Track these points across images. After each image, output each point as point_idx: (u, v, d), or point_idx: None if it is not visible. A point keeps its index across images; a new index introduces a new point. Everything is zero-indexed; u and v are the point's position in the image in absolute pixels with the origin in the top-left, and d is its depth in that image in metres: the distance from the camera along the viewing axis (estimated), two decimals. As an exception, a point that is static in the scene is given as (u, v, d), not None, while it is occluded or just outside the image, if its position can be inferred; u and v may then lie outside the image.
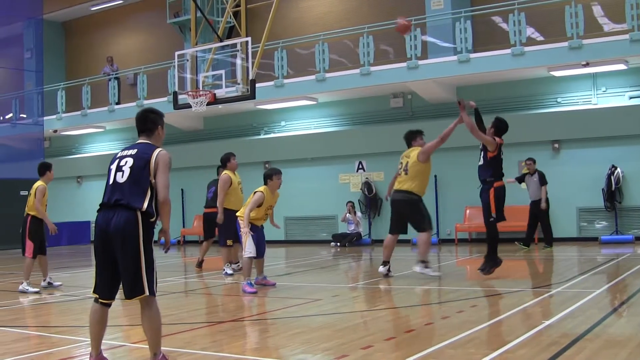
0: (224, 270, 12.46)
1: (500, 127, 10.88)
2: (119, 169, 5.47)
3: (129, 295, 5.37)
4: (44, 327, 7.87)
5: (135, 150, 5.60)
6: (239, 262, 12.59)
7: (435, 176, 19.62)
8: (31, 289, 10.90)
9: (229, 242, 12.37)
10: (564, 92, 18.47)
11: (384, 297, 9.91)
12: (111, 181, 5.47)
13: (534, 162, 16.32)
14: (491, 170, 10.60)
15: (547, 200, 16.03)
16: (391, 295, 9.97)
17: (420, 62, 18.35)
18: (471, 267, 14.11)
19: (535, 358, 5.55)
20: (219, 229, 12.58)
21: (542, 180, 16.09)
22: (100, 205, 5.43)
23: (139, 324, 8.09)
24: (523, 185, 16.54)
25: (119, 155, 5.61)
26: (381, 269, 11.28)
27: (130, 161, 5.48)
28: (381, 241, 20.17)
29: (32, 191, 11.06)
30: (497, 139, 10.70)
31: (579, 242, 17.82)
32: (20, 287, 10.97)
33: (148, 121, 5.88)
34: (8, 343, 6.94)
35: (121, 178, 5.41)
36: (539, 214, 16.18)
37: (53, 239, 23.42)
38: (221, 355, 6.05)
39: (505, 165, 17.13)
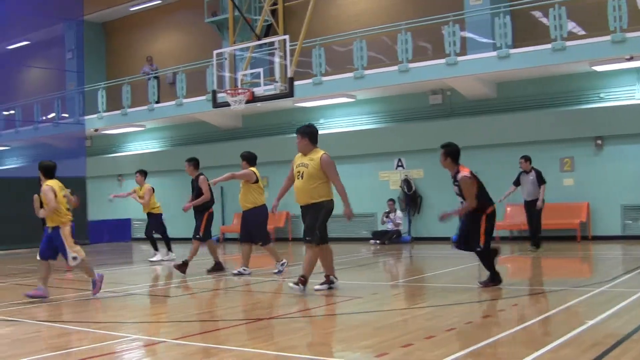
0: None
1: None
2: None
3: None
4: (86, 323, 7.94)
5: None
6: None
7: (477, 174, 19.38)
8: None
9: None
10: (606, 87, 18.13)
11: (424, 295, 9.84)
12: None
13: (528, 159, 15.35)
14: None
15: (543, 200, 15.07)
16: (431, 294, 9.90)
17: (460, 58, 18.17)
18: (512, 265, 13.96)
19: (579, 358, 5.45)
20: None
21: (540, 180, 15.13)
22: None
23: (180, 320, 8.16)
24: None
25: None
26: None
27: None
28: (422, 239, 20.11)
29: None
30: (467, 172, 9.91)
31: (623, 241, 17.49)
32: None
33: None
34: (51, 338, 7.04)
35: None
36: (532, 214, 15.21)
37: (94, 237, 23.77)
38: (260, 352, 6.04)
39: (547, 162, 17.05)
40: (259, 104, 17.87)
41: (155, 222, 16.47)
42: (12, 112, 30.40)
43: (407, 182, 20.48)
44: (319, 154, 9.78)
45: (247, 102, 15.63)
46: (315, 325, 7.69)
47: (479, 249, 9.58)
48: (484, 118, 19.35)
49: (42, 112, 28.69)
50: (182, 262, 12.73)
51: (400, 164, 20.93)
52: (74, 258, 9.65)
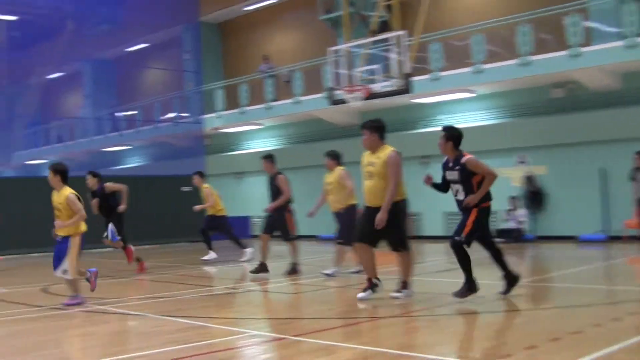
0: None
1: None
2: None
3: None
4: (206, 318, 8.08)
5: None
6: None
7: (605, 170, 18.55)
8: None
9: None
10: None
11: (548, 295, 9.49)
12: None
13: None
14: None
15: None
16: (556, 294, 9.53)
17: (583, 49, 17.44)
18: (642, 265, 13.31)
19: None
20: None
21: None
22: None
23: (298, 317, 8.18)
24: None
25: None
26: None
27: None
28: (546, 238, 19.36)
29: None
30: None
31: None
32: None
33: None
34: (173, 332, 7.19)
35: None
36: None
37: (214, 234, 24.34)
38: (380, 350, 5.97)
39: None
40: (376, 101, 17.76)
41: (215, 223, 16.08)
42: (134, 112, 31.67)
43: (529, 178, 19.82)
44: (387, 150, 9.10)
45: (364, 98, 15.58)
46: (436, 324, 7.51)
47: (457, 239, 8.40)
48: (610, 111, 18.47)
49: (162, 112, 29.72)
50: (290, 266, 12.62)
51: (522, 160, 20.28)
52: (64, 271, 8.95)
